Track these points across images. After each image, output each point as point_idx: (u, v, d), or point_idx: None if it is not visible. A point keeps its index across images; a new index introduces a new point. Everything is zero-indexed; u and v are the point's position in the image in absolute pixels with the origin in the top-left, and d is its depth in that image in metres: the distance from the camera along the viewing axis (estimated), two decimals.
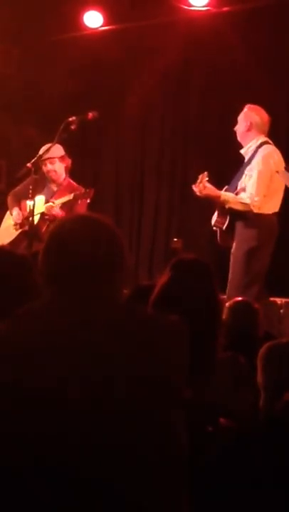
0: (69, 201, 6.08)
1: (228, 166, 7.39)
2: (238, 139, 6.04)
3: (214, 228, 6.01)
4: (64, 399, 1.84)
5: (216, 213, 5.98)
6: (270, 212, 5.83)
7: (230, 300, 5.33)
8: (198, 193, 5.86)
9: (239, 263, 5.81)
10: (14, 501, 1.83)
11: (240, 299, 4.21)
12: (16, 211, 6.39)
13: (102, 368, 1.87)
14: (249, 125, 5.96)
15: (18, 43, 8.40)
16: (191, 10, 7.73)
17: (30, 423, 1.84)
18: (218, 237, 6.05)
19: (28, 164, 5.97)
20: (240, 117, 6.04)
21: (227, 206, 5.81)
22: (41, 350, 1.90)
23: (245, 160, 5.97)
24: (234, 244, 5.89)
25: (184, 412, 1.97)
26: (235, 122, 6.22)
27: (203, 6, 7.68)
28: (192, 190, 5.98)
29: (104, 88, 8.35)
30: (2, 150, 8.62)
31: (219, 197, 5.81)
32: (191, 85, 8.23)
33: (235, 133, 6.13)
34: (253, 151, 5.94)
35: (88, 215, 2.17)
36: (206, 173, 5.87)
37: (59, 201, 6.12)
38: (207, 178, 5.81)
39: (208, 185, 5.80)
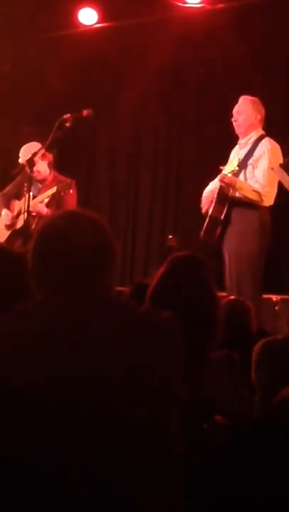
0: (54, 196, 6.08)
1: (225, 162, 7.40)
2: (240, 129, 6.08)
3: (208, 218, 5.99)
4: (60, 399, 1.83)
5: (212, 203, 5.98)
6: (268, 205, 5.89)
7: (231, 295, 5.37)
8: (222, 181, 5.88)
9: (246, 258, 5.80)
10: (12, 500, 1.81)
11: (232, 297, 4.22)
12: (4, 212, 6.41)
13: (96, 367, 1.86)
14: (257, 117, 6.06)
15: (13, 39, 8.37)
16: (185, 7, 7.73)
17: (27, 422, 1.83)
18: (205, 229, 6.01)
19: (23, 162, 5.99)
20: (248, 108, 6.09)
21: (240, 193, 5.83)
22: (34, 350, 1.88)
23: (244, 149, 6.02)
24: (233, 237, 5.90)
25: (180, 410, 1.97)
26: (230, 118, 6.22)
27: (198, 3, 7.68)
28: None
29: (99, 85, 8.34)
30: None
31: (236, 183, 5.83)
32: (186, 82, 8.23)
33: (230, 127, 6.14)
34: (254, 142, 6.00)
35: (75, 211, 2.14)
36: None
37: (43, 196, 6.13)
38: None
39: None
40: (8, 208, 6.43)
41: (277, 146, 5.98)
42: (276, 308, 6.09)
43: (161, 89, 8.40)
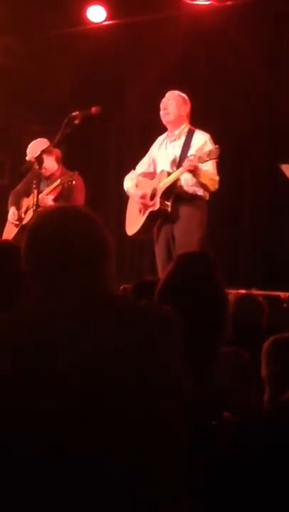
0: (61, 192, 6.07)
1: (230, 160, 7.40)
2: (170, 116, 6.13)
3: (148, 214, 5.99)
4: (58, 397, 1.82)
5: (155, 196, 5.97)
6: (207, 198, 5.97)
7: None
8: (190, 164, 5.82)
9: (194, 247, 5.72)
10: (14, 497, 1.81)
11: (244, 292, 4.21)
12: (11, 210, 6.43)
13: (95, 364, 1.85)
14: (186, 111, 6.13)
15: (22, 37, 8.38)
16: (194, 4, 7.72)
17: (28, 421, 1.82)
18: (142, 227, 6.05)
19: (32, 158, 5.99)
20: (177, 100, 6.16)
21: (201, 180, 5.84)
22: (34, 349, 1.87)
23: (178, 141, 6.05)
24: (177, 226, 5.90)
25: (187, 404, 1.96)
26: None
27: (207, 0, 7.67)
28: None
29: (108, 83, 8.34)
30: (5, 145, 8.62)
31: (201, 170, 5.82)
32: (195, 79, 8.21)
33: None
34: (186, 134, 6.05)
35: (67, 207, 2.13)
36: None
37: (47, 189, 6.12)
38: None
39: None
40: (18, 205, 6.44)
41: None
42: (285, 305, 6.08)
43: (169, 86, 8.38)
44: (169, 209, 5.89)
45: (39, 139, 6.29)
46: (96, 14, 8.16)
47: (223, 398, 2.53)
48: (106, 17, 8.18)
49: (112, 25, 8.24)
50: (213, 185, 5.91)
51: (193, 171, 5.81)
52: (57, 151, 6.32)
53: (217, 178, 5.92)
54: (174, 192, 5.90)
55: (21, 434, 1.82)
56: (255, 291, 5.35)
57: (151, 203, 6.01)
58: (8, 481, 1.82)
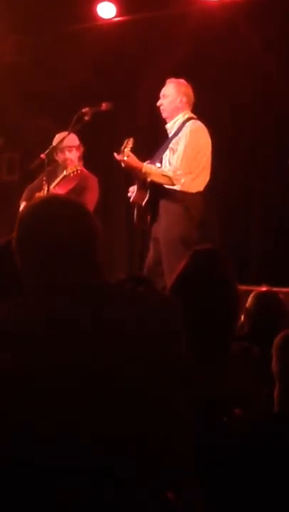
0: (73, 187, 6.04)
1: (240, 156, 7.39)
2: (165, 113, 6.02)
3: (134, 205, 5.94)
4: (62, 388, 1.82)
5: (135, 188, 5.91)
6: (194, 191, 5.76)
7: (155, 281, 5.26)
8: (121, 163, 5.74)
9: (175, 244, 5.60)
10: (19, 493, 1.81)
11: (265, 289, 4.18)
12: (22, 205, 6.43)
13: (97, 353, 1.85)
14: (182, 100, 5.96)
15: (32, 33, 8.40)
16: (204, 0, 7.71)
17: (37, 414, 1.82)
18: (136, 216, 5.96)
19: (42, 155, 5.98)
20: (171, 91, 6.00)
21: (149, 179, 5.74)
22: (32, 342, 1.86)
23: (170, 134, 5.95)
24: (160, 224, 5.81)
25: (198, 400, 1.96)
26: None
27: None
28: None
29: (118, 79, 8.34)
30: (15, 141, 8.63)
31: (141, 168, 5.74)
32: (204, 76, 8.21)
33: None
34: (179, 125, 5.93)
35: (51, 197, 2.12)
36: (131, 139, 5.81)
37: (56, 181, 6.09)
38: (131, 146, 5.75)
39: (131, 154, 5.73)
40: (30, 200, 6.43)
41: (201, 128, 5.90)
42: None
43: None
44: (143, 203, 5.80)
45: (64, 133, 6.21)
46: (106, 10, 8.17)
47: (235, 395, 2.53)
48: (116, 13, 8.18)
49: (122, 22, 8.25)
50: (168, 181, 5.68)
51: (128, 167, 5.70)
52: (82, 149, 6.28)
53: (175, 173, 5.68)
54: (145, 186, 5.79)
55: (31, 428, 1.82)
56: (265, 288, 5.34)
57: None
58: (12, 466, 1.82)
